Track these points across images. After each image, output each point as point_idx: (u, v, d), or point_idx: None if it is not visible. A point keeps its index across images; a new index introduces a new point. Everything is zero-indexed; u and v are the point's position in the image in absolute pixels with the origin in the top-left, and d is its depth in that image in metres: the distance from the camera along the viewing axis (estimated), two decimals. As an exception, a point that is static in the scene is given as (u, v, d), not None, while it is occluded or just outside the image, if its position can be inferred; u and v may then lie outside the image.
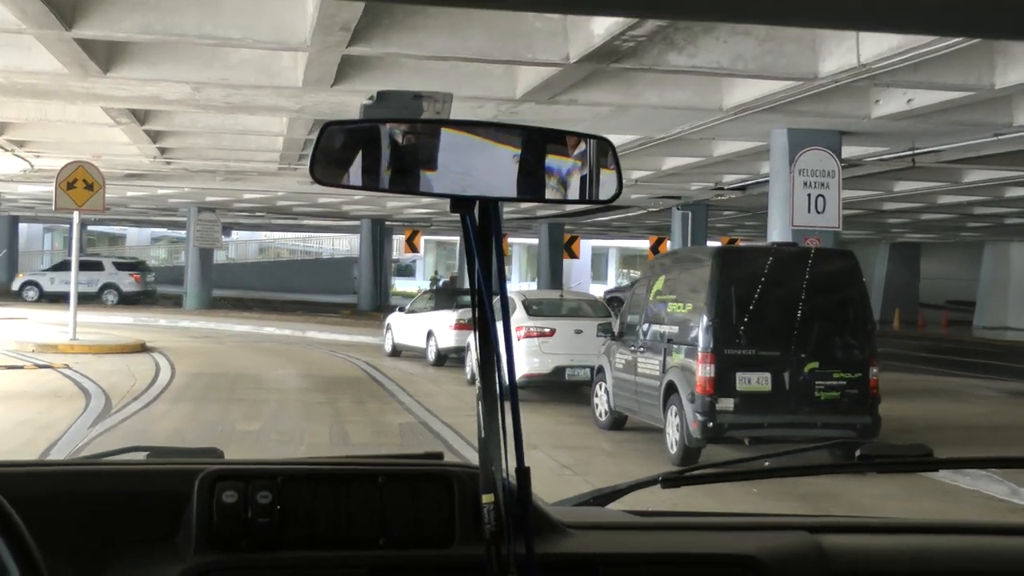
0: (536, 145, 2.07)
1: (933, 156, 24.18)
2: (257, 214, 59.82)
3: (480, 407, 2.09)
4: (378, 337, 35.19)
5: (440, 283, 61.62)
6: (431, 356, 29.36)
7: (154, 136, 27.14)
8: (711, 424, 14.58)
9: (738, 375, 14.72)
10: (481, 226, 2.08)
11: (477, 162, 2.02)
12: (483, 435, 2.08)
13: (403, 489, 2.38)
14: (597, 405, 18.79)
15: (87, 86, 19.11)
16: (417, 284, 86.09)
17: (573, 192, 2.11)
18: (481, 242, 2.07)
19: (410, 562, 2.32)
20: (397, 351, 31.98)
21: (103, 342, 31.21)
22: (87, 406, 19.22)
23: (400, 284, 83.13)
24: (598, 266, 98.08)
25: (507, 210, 42.79)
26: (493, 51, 16.12)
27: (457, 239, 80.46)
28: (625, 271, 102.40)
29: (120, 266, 57.52)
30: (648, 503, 3.02)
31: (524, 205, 47.32)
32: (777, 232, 21.31)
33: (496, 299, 2.10)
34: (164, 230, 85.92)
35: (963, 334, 52.32)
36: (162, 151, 29.84)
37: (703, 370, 14.70)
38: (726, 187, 34.06)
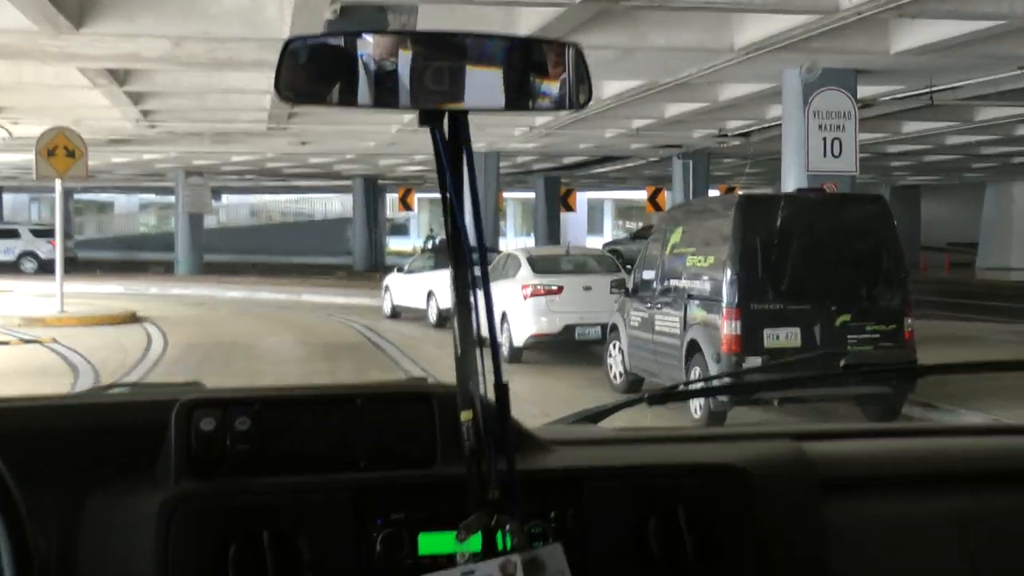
0: (509, 54, 1.99)
1: (951, 93, 23.16)
2: (247, 177, 58.83)
3: (455, 324, 2.01)
4: (375, 298, 34.29)
5: (437, 240, 60.76)
6: (432, 317, 28.40)
7: (135, 98, 26.06)
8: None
9: (766, 331, 13.74)
10: (451, 139, 2.01)
11: (445, 74, 1.95)
12: (459, 353, 2.00)
13: (383, 410, 2.36)
14: (611, 366, 17.81)
15: (60, 44, 18.03)
16: (412, 243, 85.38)
17: (544, 101, 2.04)
18: (451, 155, 2.00)
19: (392, 482, 2.29)
20: (396, 313, 31.04)
21: (92, 313, 30.24)
22: (75, 384, 18.31)
23: (394, 243, 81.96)
24: (593, 219, 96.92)
25: (502, 165, 41.73)
26: (493, -9, 15.12)
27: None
28: (621, 223, 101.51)
29: (37, 233, 57.16)
30: (639, 423, 2.87)
31: (520, 158, 46.40)
32: (792, 178, 20.38)
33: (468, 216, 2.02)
34: (153, 196, 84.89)
35: (967, 276, 51.49)
36: (145, 114, 28.75)
37: (728, 327, 13.72)
38: (730, 133, 33.02)
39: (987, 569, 2.55)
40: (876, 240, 14.40)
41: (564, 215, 60.42)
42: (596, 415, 2.99)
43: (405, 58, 1.94)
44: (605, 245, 68.38)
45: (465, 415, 2.02)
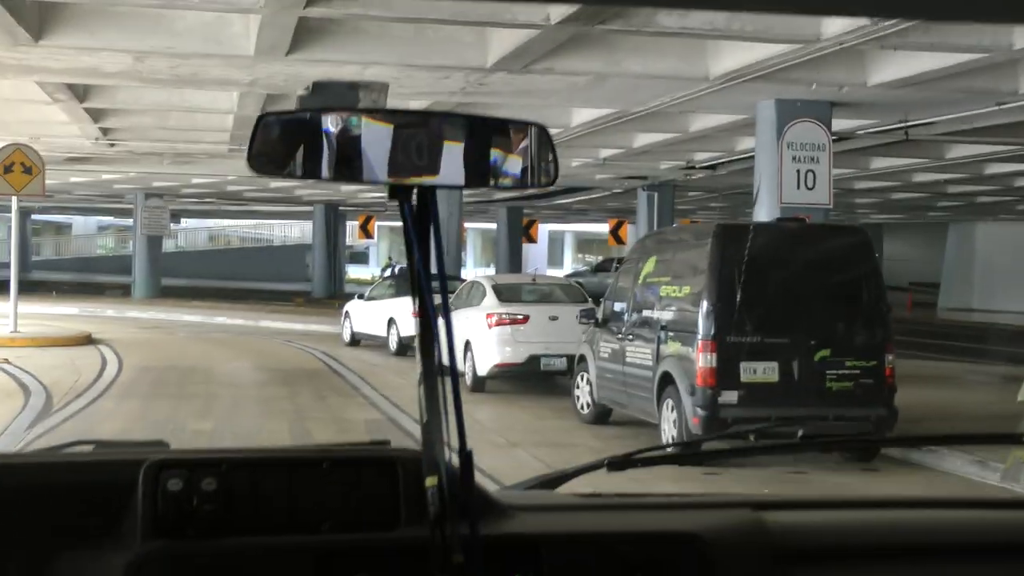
0: (474, 132, 2.07)
1: (925, 129, 22.89)
2: (207, 200, 58.19)
3: (421, 391, 2.08)
4: (335, 326, 33.85)
5: (396, 269, 60.33)
6: (393, 345, 27.91)
7: (95, 115, 25.49)
8: (714, 419, 13.17)
9: (742, 365, 13.33)
10: (419, 214, 2.08)
11: (415, 150, 2.02)
12: (425, 419, 2.07)
13: (348, 474, 2.37)
14: (579, 397, 17.36)
15: (18, 56, 17.50)
16: (371, 271, 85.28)
17: (509, 179, 2.11)
18: (419, 229, 2.08)
19: (355, 545, 2.30)
20: (356, 340, 30.51)
21: (46, 334, 29.69)
22: (26, 404, 17.81)
23: (353, 271, 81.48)
24: (554, 251, 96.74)
25: (465, 195, 41.31)
26: (467, 11, 14.70)
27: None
28: (581, 256, 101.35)
29: None
30: (600, 487, 2.85)
31: (480, 189, 45.95)
32: (764, 210, 20.04)
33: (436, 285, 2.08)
34: (111, 219, 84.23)
35: (929, 316, 51.32)
36: (104, 132, 28.17)
37: (704, 360, 13.30)
38: (698, 165, 32.73)
39: None
40: (857, 272, 14.03)
41: (525, 246, 60.12)
42: (555, 480, 3.01)
43: (375, 133, 2.01)
44: (566, 276, 68.21)
45: (430, 480, 2.07)
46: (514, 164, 2.10)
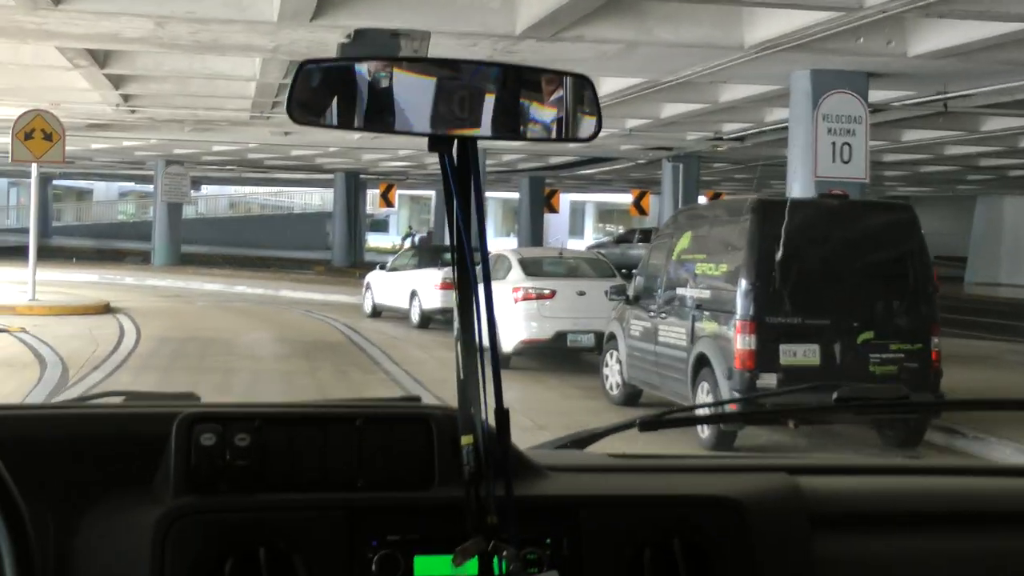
0: (515, 84, 2.04)
1: (963, 101, 22.34)
2: (227, 168, 57.80)
3: (459, 348, 2.03)
4: (355, 296, 33.46)
5: (416, 238, 59.92)
6: (415, 318, 27.47)
7: (116, 81, 25.08)
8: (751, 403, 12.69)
9: (782, 347, 12.81)
10: (459, 166, 2.03)
11: (455, 101, 1.99)
12: (462, 377, 2.04)
13: (382, 431, 2.34)
14: (608, 376, 16.88)
15: (38, 21, 17.07)
16: (391, 240, 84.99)
17: (551, 131, 2.08)
18: (460, 182, 2.02)
19: (389, 503, 2.27)
20: (377, 312, 30.09)
21: (65, 303, 29.28)
22: (41, 377, 17.38)
23: (373, 240, 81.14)
24: (575, 221, 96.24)
25: (488, 163, 40.90)
26: (498, -24, 14.22)
27: (432, 193, 78.67)
28: (602, 226, 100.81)
29: None
30: (630, 448, 2.83)
31: (505, 156, 45.54)
32: (798, 184, 19.55)
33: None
34: (132, 184, 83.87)
35: (956, 291, 50.69)
36: (125, 98, 27.76)
37: (742, 341, 12.80)
38: (725, 137, 32.18)
39: None
40: (902, 251, 13.47)
41: (547, 216, 59.60)
42: (586, 439, 3.00)
43: (416, 84, 1.98)
44: (588, 248, 67.62)
45: (466, 439, 2.05)
46: (555, 115, 2.07)
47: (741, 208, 13.65)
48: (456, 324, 2.05)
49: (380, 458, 2.32)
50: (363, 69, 1.98)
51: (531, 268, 20.95)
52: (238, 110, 29.24)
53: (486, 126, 2.01)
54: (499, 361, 2.02)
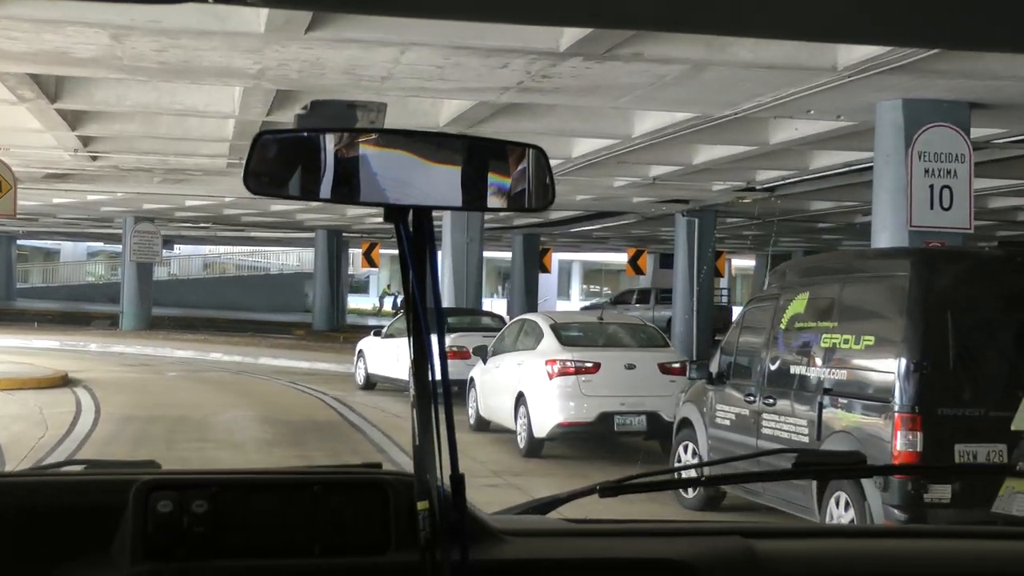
0: (472, 154, 2.11)
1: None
2: (201, 225, 54.38)
3: (414, 415, 2.11)
4: (343, 364, 30.47)
5: (397, 299, 56.74)
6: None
7: (72, 120, 21.67)
8: (918, 523, 9.27)
9: (958, 448, 9.43)
10: (415, 235, 2.10)
11: (411, 171, 2.06)
12: (417, 443, 2.10)
13: (338, 498, 2.35)
14: (682, 476, 13.42)
15: (-37, 33, 13.72)
16: (371, 301, 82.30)
17: (504, 200, 2.14)
18: (415, 251, 2.10)
19: (346, 568, 2.30)
20: (371, 383, 26.63)
21: (16, 374, 25.96)
22: (-31, 471, 13.92)
23: (353, 301, 77.86)
24: (561, 282, 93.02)
25: (482, 221, 37.61)
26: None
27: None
28: (585, 287, 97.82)
29: None
30: (592, 514, 2.76)
31: (500, 214, 42.24)
32: (886, 235, 16.33)
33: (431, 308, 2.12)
34: (101, 244, 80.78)
35: None
36: (84, 142, 24.35)
37: (904, 441, 9.37)
38: (758, 187, 28.93)
39: None
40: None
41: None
42: (547, 505, 2.98)
43: (372, 155, 2.04)
44: (582, 308, 64.28)
45: (422, 505, 2.12)
46: (510, 186, 2.13)
47: (891, 261, 10.28)
48: (411, 392, 2.12)
49: (337, 524, 2.31)
50: (320, 140, 2.03)
51: (567, 336, 17.50)
52: (214, 156, 25.76)
53: (441, 196, 2.06)
54: (454, 427, 2.08)
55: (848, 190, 29.02)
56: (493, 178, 2.09)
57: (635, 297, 56.89)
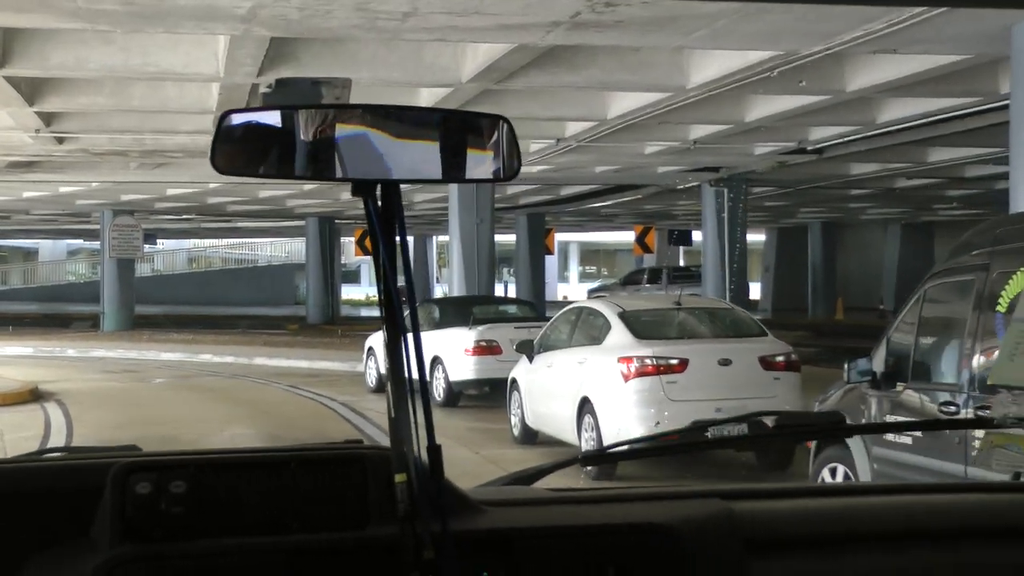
0: (440, 127, 2.08)
1: None
2: (185, 217, 51.17)
3: (389, 387, 2.06)
4: (347, 362, 27.77)
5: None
6: (439, 393, 20.92)
7: (28, 92, 18.47)
8: None
9: None
10: (384, 209, 2.07)
11: (377, 145, 2.03)
12: (393, 416, 2.07)
13: (316, 474, 2.31)
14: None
15: None
16: (364, 291, 79.56)
17: (472, 172, 2.12)
18: (384, 225, 2.07)
19: (325, 544, 2.25)
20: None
21: (-22, 389, 22.68)
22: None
23: (345, 291, 74.81)
24: (559, 264, 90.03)
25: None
26: None
27: (411, 239, 72.55)
28: (582, 268, 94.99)
29: None
30: (576, 484, 2.75)
31: (509, 190, 39.09)
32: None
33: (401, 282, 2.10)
34: (81, 241, 77.70)
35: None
36: (46, 120, 21.16)
37: None
38: (809, 147, 25.83)
39: None
40: None
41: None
42: (530, 476, 2.93)
43: (339, 131, 2.01)
44: (590, 291, 61.09)
45: (399, 477, 2.07)
46: (481, 158, 2.10)
47: None
48: (386, 366, 2.07)
49: (315, 500, 2.29)
50: (287, 117, 2.00)
51: (642, 327, 14.21)
52: (195, 132, 22.49)
53: (408, 169, 2.05)
54: (429, 398, 2.06)
55: (903, 149, 26.16)
56: (463, 151, 2.07)
57: (645, 277, 53.89)
